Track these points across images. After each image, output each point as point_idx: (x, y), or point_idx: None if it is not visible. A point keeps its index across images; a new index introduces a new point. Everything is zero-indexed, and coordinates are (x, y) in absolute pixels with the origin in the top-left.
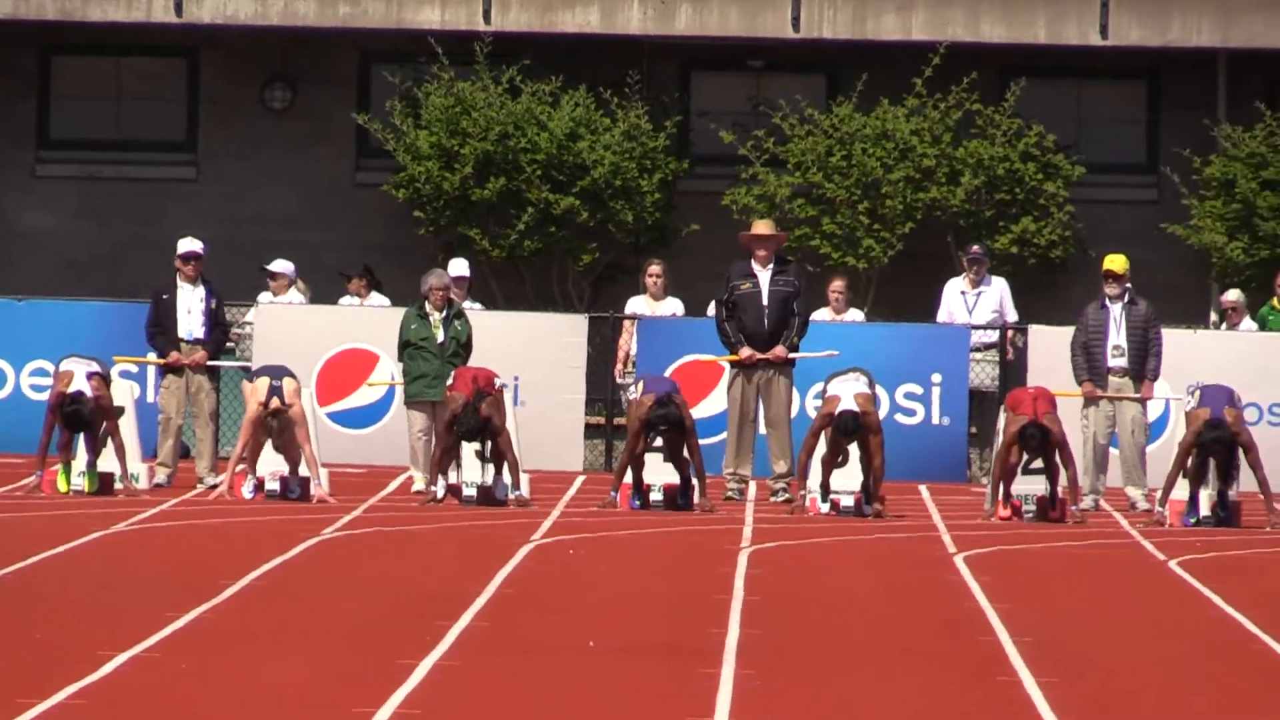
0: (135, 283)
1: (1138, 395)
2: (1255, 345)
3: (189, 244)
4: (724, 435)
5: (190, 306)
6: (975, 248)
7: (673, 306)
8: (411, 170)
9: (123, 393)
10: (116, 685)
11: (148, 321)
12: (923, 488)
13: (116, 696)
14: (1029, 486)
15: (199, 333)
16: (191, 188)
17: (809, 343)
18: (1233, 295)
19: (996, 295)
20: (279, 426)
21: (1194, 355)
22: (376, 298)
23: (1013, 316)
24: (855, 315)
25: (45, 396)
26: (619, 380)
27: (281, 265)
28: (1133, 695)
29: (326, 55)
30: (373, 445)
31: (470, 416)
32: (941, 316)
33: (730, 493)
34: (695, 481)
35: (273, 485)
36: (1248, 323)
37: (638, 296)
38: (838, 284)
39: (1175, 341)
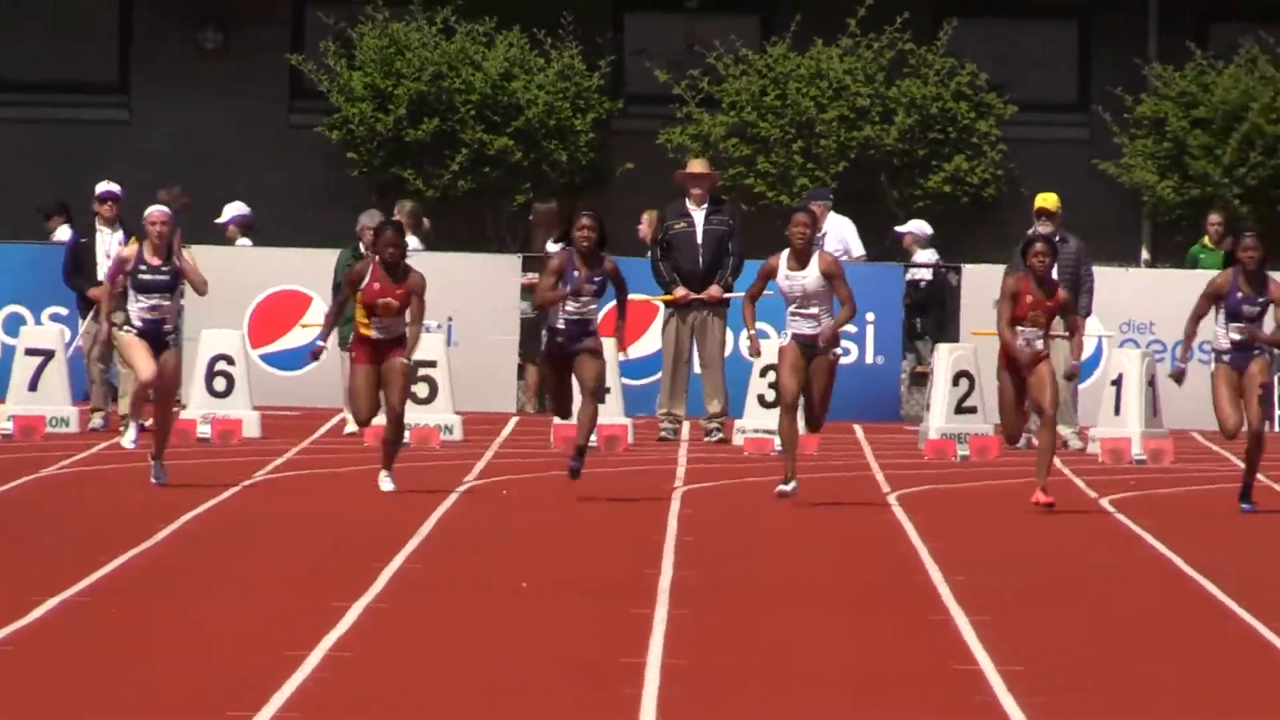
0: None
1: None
2: (1188, 284)
3: (105, 185)
4: (659, 375)
5: (109, 250)
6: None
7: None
8: (345, 111)
9: (53, 335)
10: (47, 630)
11: (64, 264)
12: (857, 427)
13: (47, 641)
14: (965, 425)
15: None
16: (124, 130)
17: (744, 282)
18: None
19: (836, 236)
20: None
21: (1126, 293)
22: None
23: (858, 252)
24: None
25: None
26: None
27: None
28: (1064, 633)
29: None
30: (306, 387)
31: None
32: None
33: (665, 433)
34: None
35: (205, 428)
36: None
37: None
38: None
39: (1107, 279)
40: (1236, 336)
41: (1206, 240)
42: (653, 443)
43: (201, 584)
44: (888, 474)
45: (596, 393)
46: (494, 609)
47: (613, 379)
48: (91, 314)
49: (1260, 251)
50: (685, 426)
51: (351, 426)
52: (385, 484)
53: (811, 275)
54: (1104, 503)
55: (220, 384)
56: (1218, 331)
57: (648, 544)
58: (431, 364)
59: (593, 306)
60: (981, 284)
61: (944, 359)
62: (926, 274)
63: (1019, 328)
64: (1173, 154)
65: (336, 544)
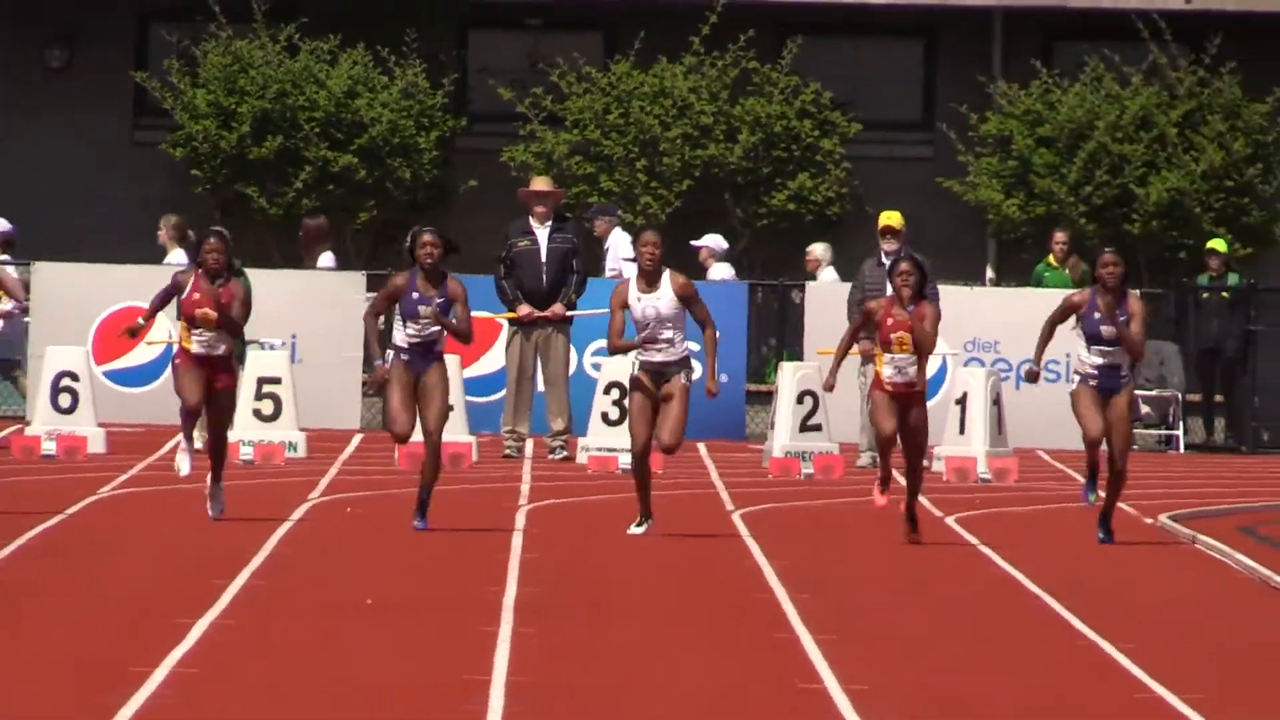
0: None
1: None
2: (1032, 302)
3: None
4: (503, 393)
5: None
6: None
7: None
8: (190, 128)
9: None
10: None
11: None
12: (701, 445)
13: None
14: (809, 444)
15: None
16: None
17: (587, 300)
18: (818, 249)
19: (616, 254)
20: None
21: (971, 312)
22: None
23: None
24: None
25: None
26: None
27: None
28: (909, 651)
29: (104, 14)
30: (150, 403)
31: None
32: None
33: (509, 450)
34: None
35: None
36: (828, 272)
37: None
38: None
39: (952, 298)
40: (1100, 360)
41: (1051, 259)
42: (497, 460)
43: (45, 600)
44: (733, 492)
45: (439, 431)
46: (339, 626)
47: (457, 396)
48: None
49: (1121, 268)
50: (529, 444)
51: (197, 444)
52: (182, 462)
53: (665, 298)
54: (949, 521)
55: (65, 400)
56: (1080, 356)
57: (492, 562)
58: (276, 380)
59: (435, 329)
60: (825, 302)
61: (788, 377)
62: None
63: (888, 355)
64: (1018, 172)
65: (181, 561)
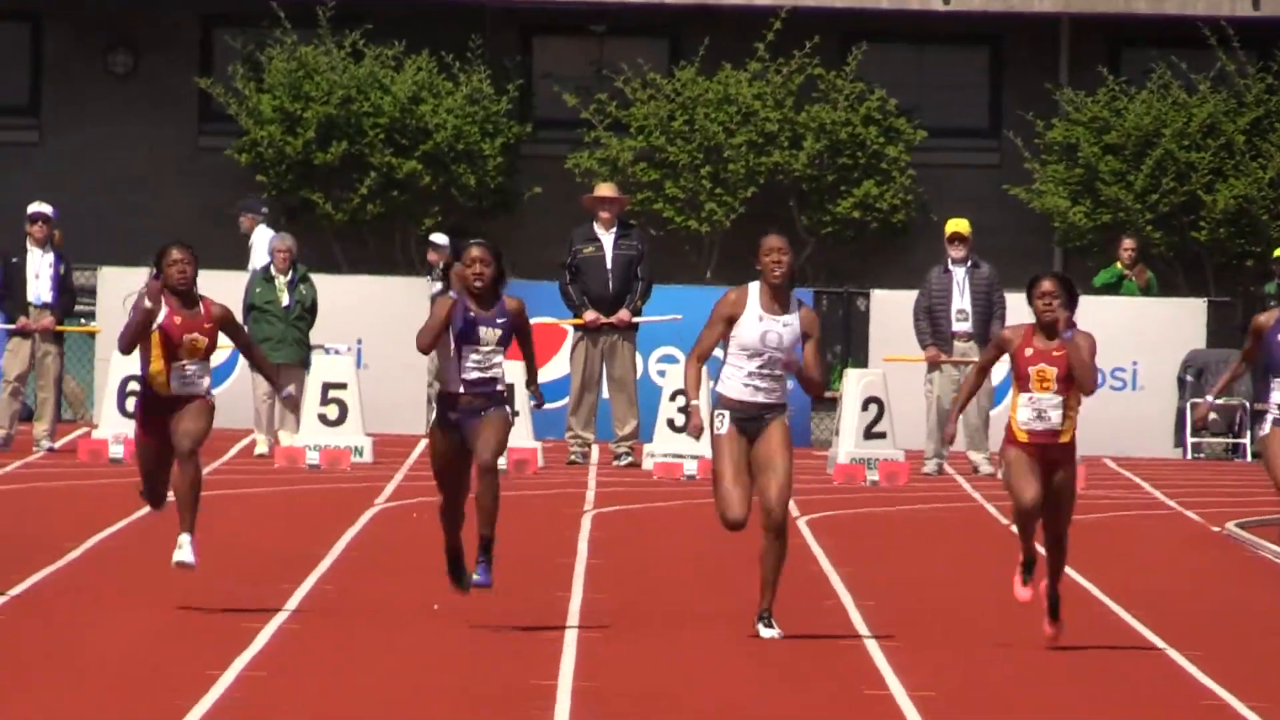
0: None
1: None
2: (1099, 310)
3: (37, 205)
4: (567, 399)
5: (39, 271)
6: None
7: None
8: (254, 134)
9: None
10: None
11: None
12: None
13: None
14: (874, 451)
15: (47, 297)
16: (34, 152)
17: (652, 307)
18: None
19: (263, 250)
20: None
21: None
22: None
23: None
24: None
25: None
26: None
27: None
28: (975, 658)
29: (168, 19)
30: (220, 407)
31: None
32: None
33: (574, 456)
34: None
35: (117, 448)
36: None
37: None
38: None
39: (1018, 306)
40: None
41: (1119, 265)
42: (562, 466)
43: (114, 603)
44: (798, 499)
45: (495, 468)
46: (406, 631)
47: (521, 402)
48: (18, 334)
49: None
50: (594, 450)
51: (261, 448)
52: (184, 554)
53: (794, 325)
54: (1014, 529)
55: (130, 405)
56: (1273, 391)
57: (558, 567)
58: (342, 386)
59: (498, 360)
60: (890, 309)
61: (853, 384)
62: None
63: (1025, 395)
64: (1084, 179)
65: (248, 564)
